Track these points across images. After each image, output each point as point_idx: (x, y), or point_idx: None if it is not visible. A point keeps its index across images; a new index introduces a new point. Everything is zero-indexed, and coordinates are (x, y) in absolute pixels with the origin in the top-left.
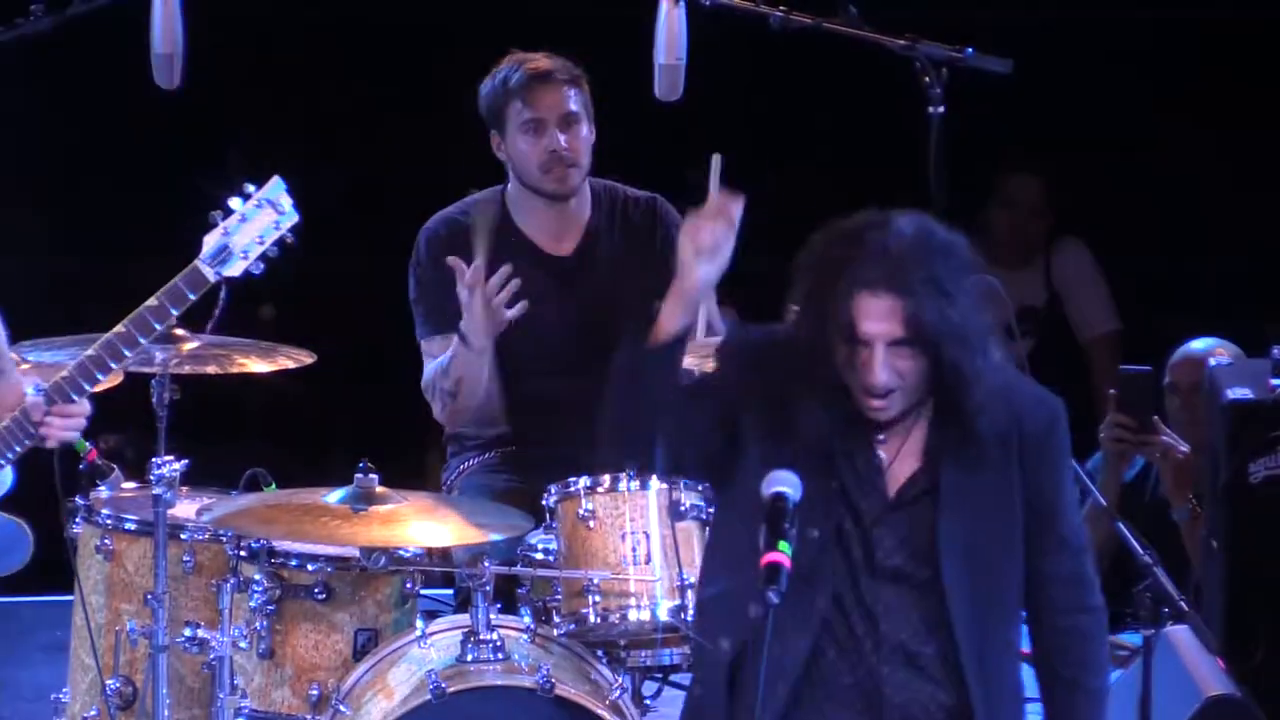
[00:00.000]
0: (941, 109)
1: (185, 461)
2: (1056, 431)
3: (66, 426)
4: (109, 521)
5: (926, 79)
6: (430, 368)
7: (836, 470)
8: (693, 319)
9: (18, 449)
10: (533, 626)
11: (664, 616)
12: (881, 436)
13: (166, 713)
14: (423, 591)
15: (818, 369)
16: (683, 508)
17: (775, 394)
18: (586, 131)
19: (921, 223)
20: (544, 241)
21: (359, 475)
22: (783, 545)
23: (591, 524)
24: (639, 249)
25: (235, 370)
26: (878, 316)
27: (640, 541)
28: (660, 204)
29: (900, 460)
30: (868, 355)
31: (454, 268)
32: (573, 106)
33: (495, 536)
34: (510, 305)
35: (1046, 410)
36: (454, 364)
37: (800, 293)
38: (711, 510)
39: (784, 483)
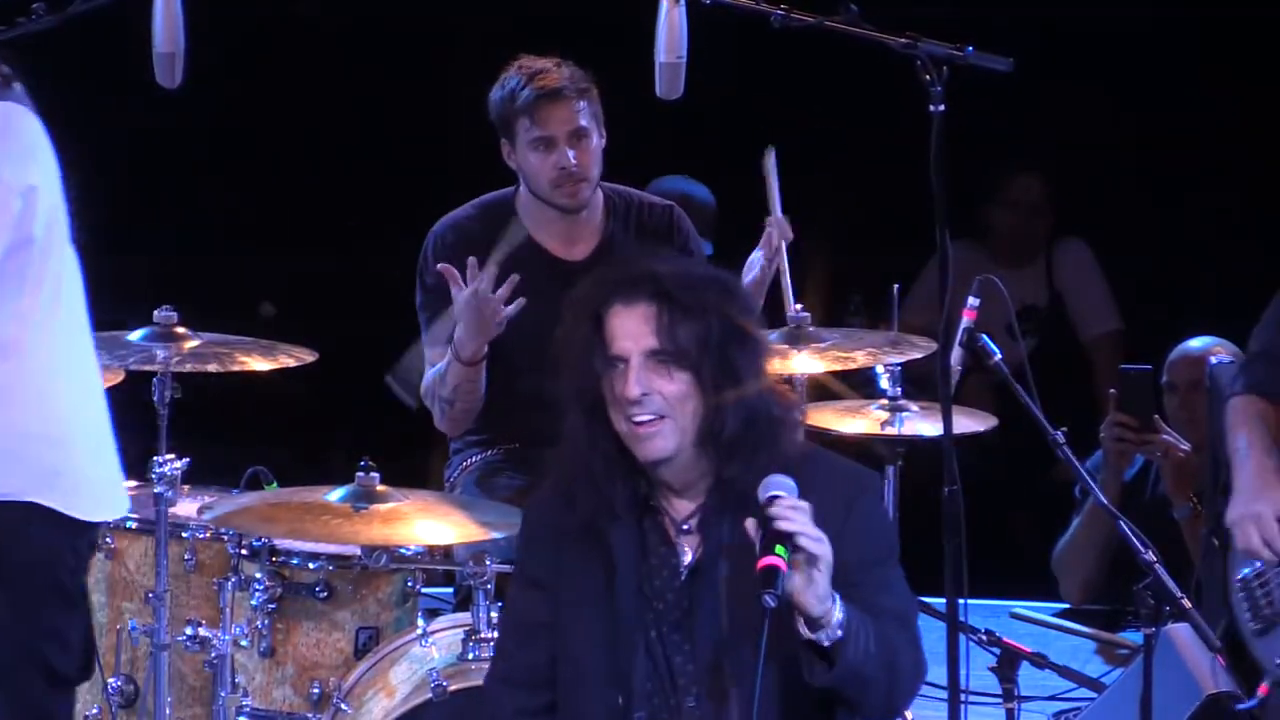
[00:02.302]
0: (942, 107)
1: (186, 460)
2: (854, 509)
3: None
4: (110, 520)
5: (927, 77)
6: (428, 375)
7: (644, 579)
8: None
9: None
10: None
11: None
12: (687, 526)
13: (168, 711)
14: (424, 590)
15: (598, 422)
16: None
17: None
18: (596, 142)
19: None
20: (555, 247)
21: (360, 473)
22: (779, 549)
23: None
24: (654, 253)
25: (236, 368)
26: (632, 324)
27: None
28: (677, 212)
29: (696, 549)
30: (624, 372)
31: (446, 274)
32: (582, 121)
33: (497, 534)
34: (509, 301)
35: (838, 482)
36: (449, 374)
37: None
38: None
39: (780, 486)
